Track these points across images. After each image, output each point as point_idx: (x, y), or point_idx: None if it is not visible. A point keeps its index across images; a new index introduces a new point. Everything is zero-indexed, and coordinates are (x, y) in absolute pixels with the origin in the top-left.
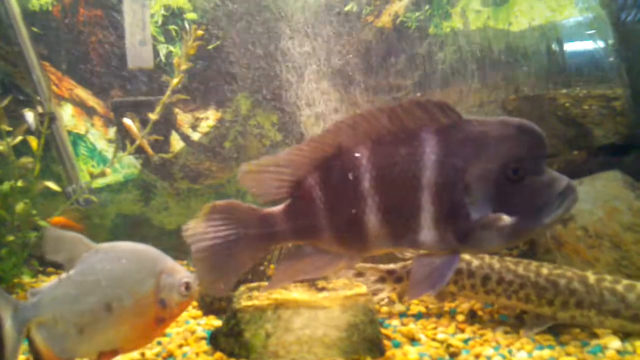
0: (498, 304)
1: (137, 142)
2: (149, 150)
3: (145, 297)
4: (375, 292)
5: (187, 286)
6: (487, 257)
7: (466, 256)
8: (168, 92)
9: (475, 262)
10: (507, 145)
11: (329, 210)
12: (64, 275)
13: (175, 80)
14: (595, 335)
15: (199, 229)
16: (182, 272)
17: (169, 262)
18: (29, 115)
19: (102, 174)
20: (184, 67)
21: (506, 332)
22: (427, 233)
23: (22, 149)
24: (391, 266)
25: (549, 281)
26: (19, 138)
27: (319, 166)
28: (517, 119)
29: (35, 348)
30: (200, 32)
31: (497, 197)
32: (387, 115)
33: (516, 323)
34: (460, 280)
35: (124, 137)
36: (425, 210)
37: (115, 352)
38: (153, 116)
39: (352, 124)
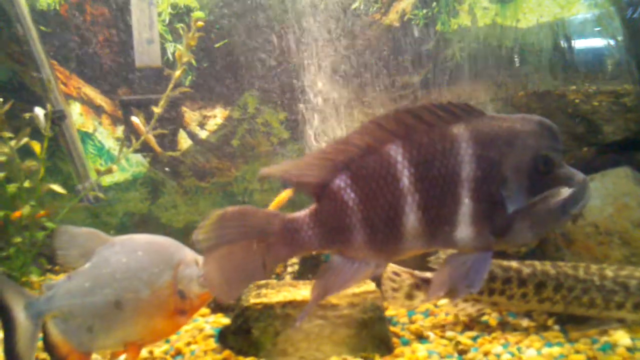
0: (550, 312)
1: (142, 137)
2: (157, 148)
3: (162, 289)
4: (409, 297)
5: None
6: (538, 264)
7: (515, 264)
8: (171, 85)
9: (527, 270)
10: (535, 139)
11: (362, 212)
12: (79, 268)
13: (177, 73)
14: (605, 332)
15: (210, 234)
16: (201, 264)
17: (188, 253)
18: (39, 114)
19: (109, 171)
20: (185, 59)
21: (515, 330)
22: (464, 229)
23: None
24: (427, 274)
25: (618, 283)
26: (25, 140)
27: (347, 167)
28: (536, 116)
29: (50, 342)
30: (200, 24)
31: (530, 189)
32: (414, 114)
33: (524, 321)
34: (508, 289)
35: (131, 135)
36: (464, 205)
37: (137, 345)
38: (157, 110)
39: (379, 124)
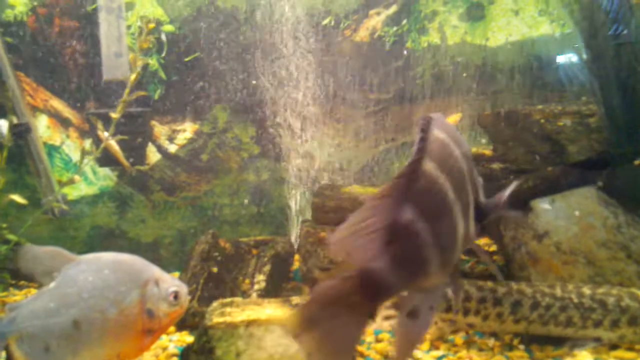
0: (526, 332)
1: (102, 145)
2: (125, 162)
3: (130, 308)
4: (386, 318)
5: (176, 295)
6: (513, 284)
7: (490, 284)
8: (127, 90)
9: (502, 289)
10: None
11: (434, 238)
12: (44, 288)
13: (133, 77)
14: (569, 353)
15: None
16: (169, 282)
17: (155, 272)
18: (3, 126)
19: (71, 182)
20: (139, 63)
21: (480, 349)
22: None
23: None
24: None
25: (596, 300)
26: None
27: (407, 198)
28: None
29: None
30: (152, 25)
31: (482, 187)
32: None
33: (490, 340)
34: (483, 309)
35: (93, 148)
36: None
37: None
38: (115, 115)
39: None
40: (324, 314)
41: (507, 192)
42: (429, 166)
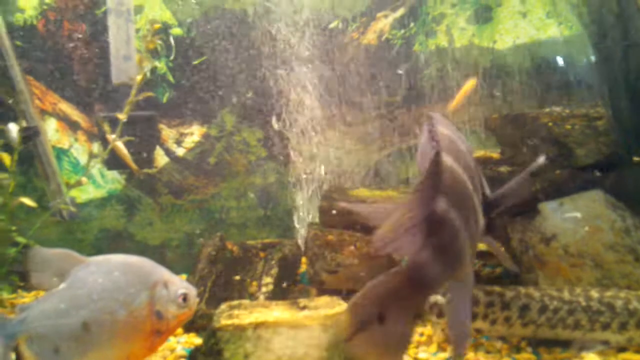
0: (534, 336)
1: (110, 146)
2: (133, 165)
3: (139, 310)
4: None
5: (185, 297)
6: (521, 288)
7: (497, 288)
8: (134, 91)
9: (510, 293)
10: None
11: (466, 227)
12: (54, 289)
13: (139, 77)
14: (576, 355)
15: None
16: (178, 284)
17: (164, 274)
18: (13, 129)
19: (79, 184)
20: (146, 63)
21: (488, 352)
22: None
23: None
24: (439, 297)
25: (604, 303)
26: None
27: (440, 189)
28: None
29: None
30: (157, 26)
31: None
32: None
33: (498, 343)
34: (491, 314)
35: (98, 150)
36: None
37: None
38: (121, 116)
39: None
40: (374, 312)
41: (531, 169)
42: (448, 159)
